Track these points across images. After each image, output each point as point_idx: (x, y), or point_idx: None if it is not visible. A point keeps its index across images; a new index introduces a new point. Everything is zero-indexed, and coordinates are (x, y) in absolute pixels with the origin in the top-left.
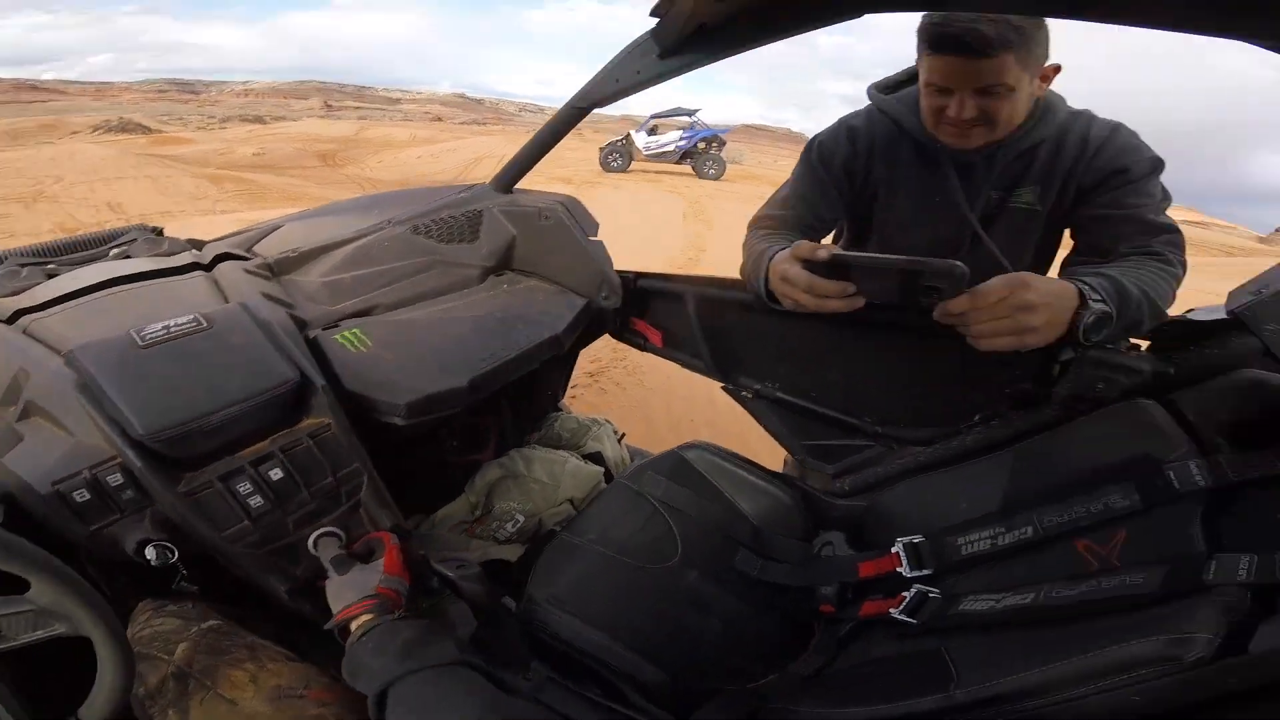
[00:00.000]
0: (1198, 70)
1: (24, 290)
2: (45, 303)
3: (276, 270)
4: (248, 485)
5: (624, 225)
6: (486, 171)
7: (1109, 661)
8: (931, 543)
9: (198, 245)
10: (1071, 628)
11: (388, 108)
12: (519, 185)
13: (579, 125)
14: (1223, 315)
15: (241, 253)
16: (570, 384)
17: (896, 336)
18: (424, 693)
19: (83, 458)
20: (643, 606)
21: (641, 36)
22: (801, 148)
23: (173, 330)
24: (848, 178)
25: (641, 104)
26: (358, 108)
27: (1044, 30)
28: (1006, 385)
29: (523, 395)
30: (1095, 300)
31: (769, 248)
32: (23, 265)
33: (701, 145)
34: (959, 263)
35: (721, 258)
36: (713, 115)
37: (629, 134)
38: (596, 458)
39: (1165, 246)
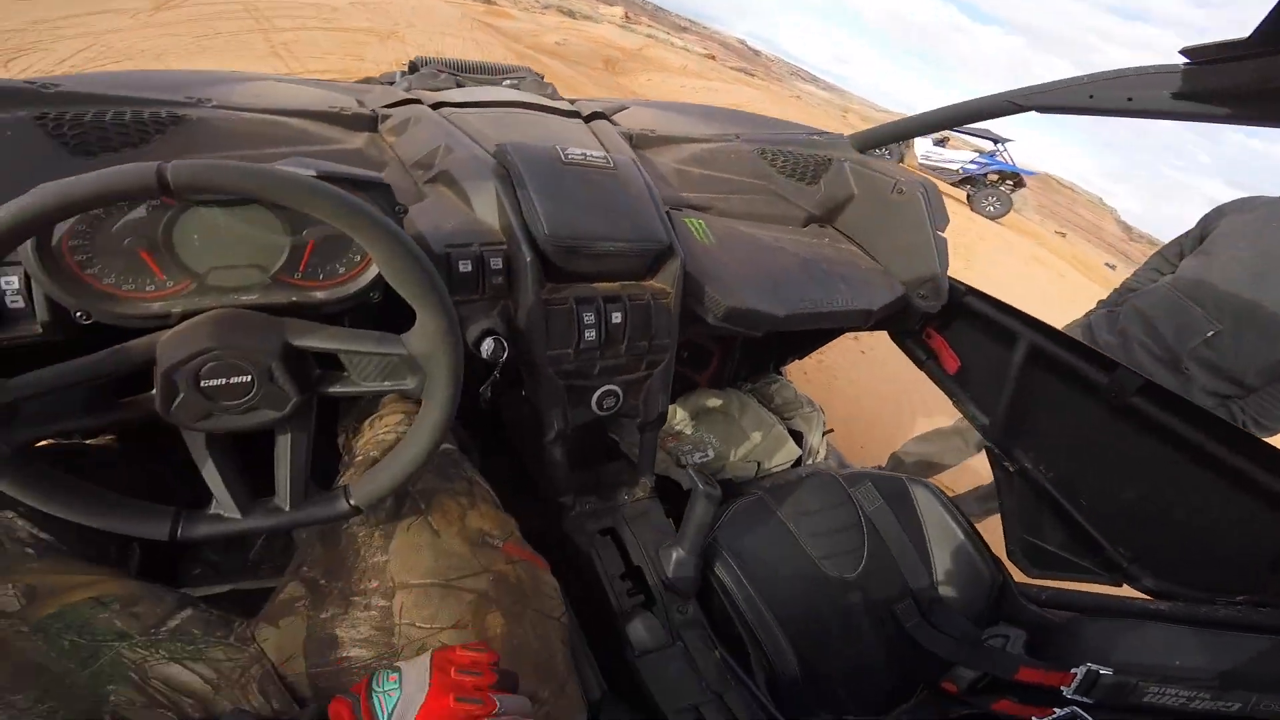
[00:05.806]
0: None
1: (441, 90)
2: (463, 102)
3: (636, 143)
4: (592, 316)
5: None
6: None
7: None
8: (1117, 678)
9: (568, 100)
10: None
11: (674, 33)
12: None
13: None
14: None
15: (611, 117)
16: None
17: (1208, 475)
18: None
19: (476, 234)
20: (809, 602)
21: (1169, 66)
22: (1099, 223)
23: (589, 159)
24: None
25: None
26: (649, 26)
27: None
28: None
29: (757, 343)
30: None
31: None
32: (439, 71)
33: (993, 177)
34: None
35: None
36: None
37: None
38: (797, 437)
39: None
